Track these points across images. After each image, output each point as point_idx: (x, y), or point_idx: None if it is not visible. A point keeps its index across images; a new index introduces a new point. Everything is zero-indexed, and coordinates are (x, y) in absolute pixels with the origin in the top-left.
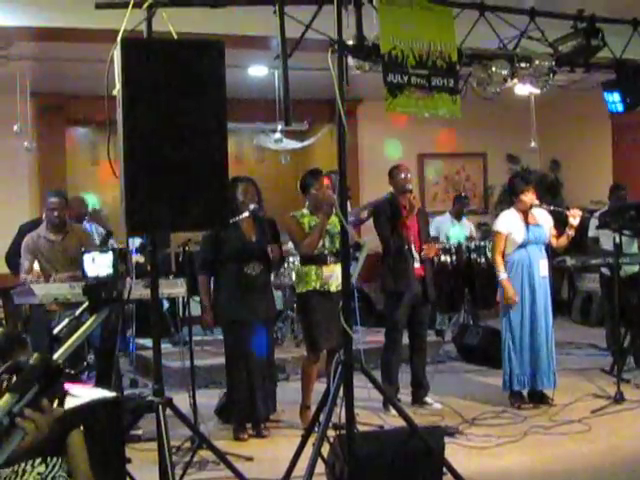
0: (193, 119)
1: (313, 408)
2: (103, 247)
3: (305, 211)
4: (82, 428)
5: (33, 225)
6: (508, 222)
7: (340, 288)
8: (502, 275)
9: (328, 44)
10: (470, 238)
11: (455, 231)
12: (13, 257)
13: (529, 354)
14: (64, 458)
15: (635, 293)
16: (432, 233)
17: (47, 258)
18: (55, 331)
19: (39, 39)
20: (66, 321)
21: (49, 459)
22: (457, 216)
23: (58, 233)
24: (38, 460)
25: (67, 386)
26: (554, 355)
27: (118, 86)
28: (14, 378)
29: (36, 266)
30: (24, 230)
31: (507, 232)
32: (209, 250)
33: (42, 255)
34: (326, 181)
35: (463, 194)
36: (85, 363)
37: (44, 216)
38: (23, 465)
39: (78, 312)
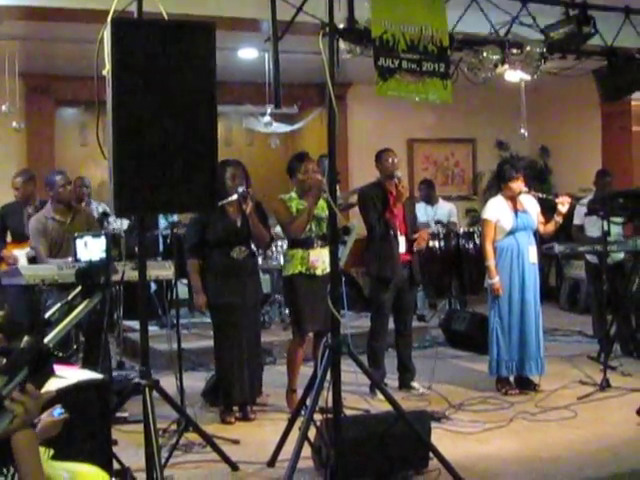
0: (183, 101)
1: (299, 392)
2: (98, 229)
3: (293, 194)
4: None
5: (16, 206)
6: (496, 209)
7: (327, 272)
8: (489, 262)
9: (319, 27)
10: (448, 223)
11: (423, 217)
12: None
13: (518, 340)
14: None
15: (621, 280)
16: None
17: (54, 239)
18: (47, 315)
19: (28, 18)
20: (58, 305)
21: (4, 470)
22: (428, 201)
23: (66, 214)
24: None
25: (54, 368)
26: (542, 341)
27: (108, 67)
28: (3, 361)
29: (18, 252)
30: (5, 211)
31: (496, 219)
32: (197, 233)
33: (49, 237)
34: (313, 165)
35: (426, 178)
36: (75, 346)
37: (51, 196)
38: None
39: (71, 296)
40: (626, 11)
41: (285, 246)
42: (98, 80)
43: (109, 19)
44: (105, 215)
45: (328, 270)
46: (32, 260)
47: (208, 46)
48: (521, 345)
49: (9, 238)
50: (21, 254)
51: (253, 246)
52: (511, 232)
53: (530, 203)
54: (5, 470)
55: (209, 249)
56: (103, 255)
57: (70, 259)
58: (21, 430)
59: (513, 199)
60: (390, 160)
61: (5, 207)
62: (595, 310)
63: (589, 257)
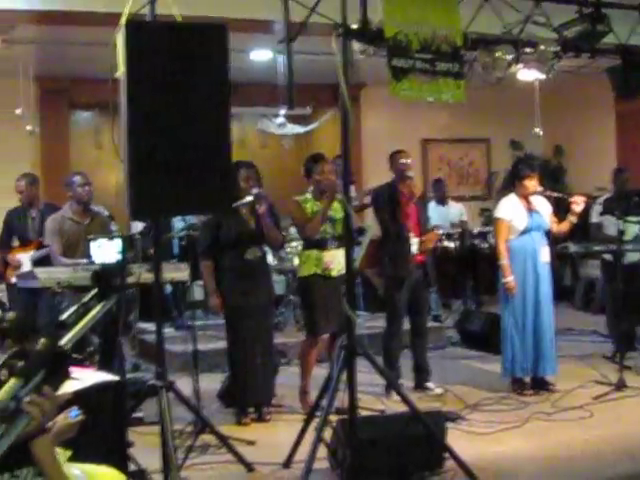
0: (196, 103)
1: (312, 393)
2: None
3: (308, 195)
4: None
5: (20, 210)
6: (510, 208)
7: (342, 273)
8: (503, 261)
9: (332, 28)
10: (457, 224)
11: (434, 216)
12: (1, 242)
13: (532, 341)
14: (35, 467)
15: (636, 281)
16: None
17: (70, 240)
18: (63, 317)
19: (42, 22)
20: (74, 307)
21: (17, 472)
22: (439, 201)
23: (84, 216)
24: (7, 475)
25: (70, 370)
26: (554, 342)
27: (122, 69)
28: (19, 364)
29: (21, 256)
30: (10, 217)
31: (509, 219)
32: (210, 235)
33: (65, 237)
34: (329, 166)
35: (439, 178)
36: (91, 348)
37: (70, 196)
38: None
39: (86, 299)
40: None
41: (300, 247)
42: (112, 83)
43: (123, 22)
44: (111, 219)
45: (343, 271)
46: (37, 263)
47: (221, 48)
48: (536, 345)
49: (16, 243)
50: (25, 258)
51: (265, 247)
52: (525, 231)
53: (542, 203)
54: (19, 472)
55: (222, 251)
56: (118, 257)
57: (84, 260)
58: (37, 438)
59: (527, 198)
60: (403, 161)
61: (10, 212)
62: (610, 309)
63: (605, 256)
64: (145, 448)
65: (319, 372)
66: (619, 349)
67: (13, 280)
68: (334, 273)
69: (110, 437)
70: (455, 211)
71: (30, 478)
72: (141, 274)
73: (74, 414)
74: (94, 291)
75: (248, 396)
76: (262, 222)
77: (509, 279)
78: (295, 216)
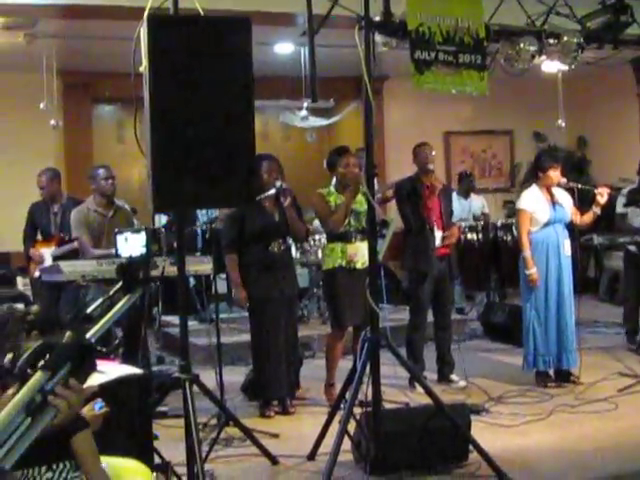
0: (220, 96)
1: (337, 385)
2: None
3: (332, 189)
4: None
5: (42, 204)
6: (532, 200)
7: (366, 265)
8: (526, 252)
9: (355, 21)
10: (479, 216)
11: (457, 209)
12: (25, 236)
13: (555, 333)
14: (72, 461)
15: None
16: None
17: (95, 232)
18: (88, 310)
19: (65, 16)
20: (100, 300)
21: (54, 465)
22: (465, 194)
23: (108, 208)
24: (44, 468)
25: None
26: (575, 334)
27: (145, 63)
28: (45, 357)
29: (44, 251)
30: (34, 210)
31: (532, 210)
32: (234, 228)
33: (90, 229)
34: (353, 159)
35: (467, 172)
36: (117, 341)
37: (93, 189)
38: (31, 471)
39: (112, 292)
40: None
41: (323, 240)
42: (135, 77)
43: (145, 16)
44: (134, 212)
45: (367, 264)
46: (57, 259)
47: (245, 41)
48: (558, 338)
49: (39, 236)
50: (47, 253)
51: (289, 240)
52: (548, 224)
53: (563, 196)
54: (55, 466)
55: (247, 244)
56: (143, 250)
57: (112, 251)
58: (79, 433)
59: (549, 191)
60: (426, 154)
61: (33, 206)
62: (632, 300)
63: (630, 247)
64: (170, 441)
65: (344, 365)
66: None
67: (37, 274)
68: (359, 265)
69: (135, 430)
70: (477, 203)
71: (67, 472)
72: (165, 267)
73: (99, 406)
74: (119, 284)
75: (272, 389)
76: (287, 214)
77: (532, 271)
78: (319, 209)
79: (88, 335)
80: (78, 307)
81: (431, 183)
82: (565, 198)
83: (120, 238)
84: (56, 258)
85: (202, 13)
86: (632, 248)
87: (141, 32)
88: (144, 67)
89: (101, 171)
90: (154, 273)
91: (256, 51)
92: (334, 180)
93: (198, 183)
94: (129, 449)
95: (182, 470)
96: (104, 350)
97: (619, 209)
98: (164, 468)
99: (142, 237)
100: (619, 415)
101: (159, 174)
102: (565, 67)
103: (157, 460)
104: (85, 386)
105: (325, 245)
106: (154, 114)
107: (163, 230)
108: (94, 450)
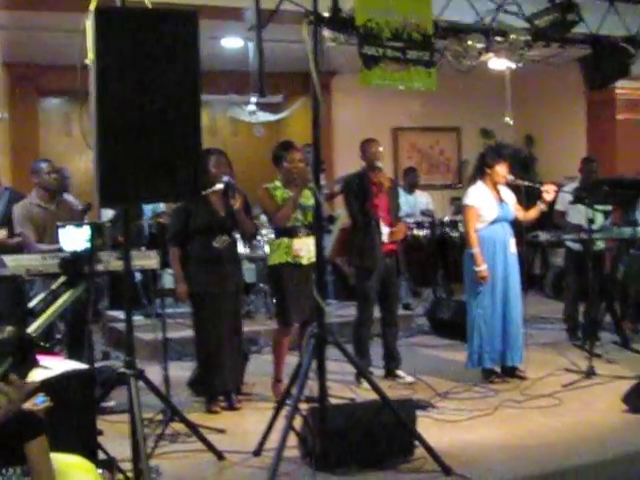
0: (167, 90)
1: (285, 381)
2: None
3: (278, 183)
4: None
5: None
6: (479, 196)
7: (312, 261)
8: (475, 249)
9: (303, 16)
10: (427, 211)
11: (404, 204)
12: None
13: (501, 331)
14: (23, 466)
15: (601, 269)
16: None
17: (38, 226)
18: (31, 305)
19: (11, 8)
20: (42, 295)
21: (4, 470)
22: (409, 190)
23: (51, 201)
24: None
25: (38, 358)
26: (521, 332)
27: (91, 56)
28: None
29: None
30: None
31: (478, 206)
32: (179, 222)
33: (34, 224)
34: (298, 154)
35: (410, 166)
36: (58, 337)
37: (36, 183)
38: None
39: (54, 286)
40: None
41: (271, 235)
42: (81, 70)
43: (92, 8)
44: (88, 208)
45: (314, 259)
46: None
47: (192, 35)
48: (504, 336)
49: None
50: None
51: (235, 235)
52: (494, 221)
53: (507, 193)
54: (4, 470)
55: (191, 238)
56: (87, 245)
57: (57, 246)
58: (34, 440)
59: (496, 187)
60: (373, 150)
61: None
62: (568, 296)
63: (570, 244)
64: (115, 437)
65: (292, 360)
66: (588, 337)
67: None
68: (304, 261)
69: (79, 426)
70: (422, 199)
71: (17, 478)
72: (110, 262)
73: (40, 400)
74: (62, 279)
75: (216, 384)
76: (237, 217)
77: (482, 267)
78: (265, 204)
79: (30, 330)
80: (18, 302)
81: (379, 180)
82: (509, 196)
83: (62, 232)
84: None
85: (150, 6)
86: (574, 245)
87: (87, 24)
88: (90, 60)
89: (44, 165)
90: (99, 268)
91: (204, 45)
92: (280, 175)
93: (144, 177)
94: (73, 445)
95: (127, 466)
96: (46, 345)
97: (559, 207)
98: (109, 464)
99: (85, 231)
100: (564, 410)
101: (105, 168)
102: (512, 65)
103: (102, 456)
104: (27, 381)
105: (271, 240)
106: (100, 108)
107: (108, 224)
108: (48, 457)
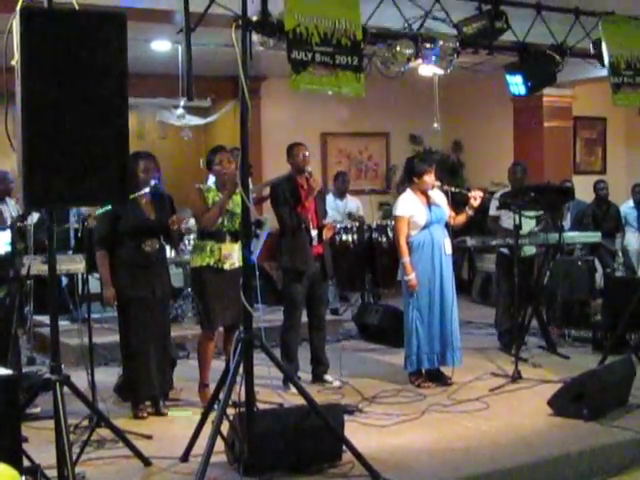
0: (93, 92)
1: (211, 386)
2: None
3: (212, 185)
4: None
5: None
6: (409, 205)
7: (235, 267)
8: (405, 259)
9: (232, 19)
10: (355, 215)
11: (333, 210)
12: None
13: (439, 332)
14: None
15: (531, 274)
16: None
17: None
18: None
19: None
20: None
21: None
22: (340, 195)
23: None
24: None
25: None
26: (459, 332)
27: (17, 57)
28: None
29: None
30: None
31: (409, 215)
32: (107, 225)
33: None
34: (227, 155)
35: (341, 171)
36: None
37: None
38: None
39: None
40: (538, 7)
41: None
42: (7, 71)
43: (18, 8)
44: (23, 217)
45: (237, 265)
46: None
47: (120, 37)
48: (442, 337)
49: None
50: None
51: (163, 240)
52: (426, 226)
53: (439, 196)
54: None
55: (120, 242)
56: (7, 249)
57: None
58: None
59: (424, 193)
60: (301, 155)
61: None
62: (501, 302)
63: (501, 250)
64: (40, 443)
65: (219, 365)
66: (515, 342)
67: None
68: (226, 266)
69: (3, 432)
70: (352, 205)
71: None
72: (31, 265)
73: None
74: None
75: (143, 389)
76: (171, 233)
77: (411, 277)
78: (195, 204)
79: None
80: None
81: (309, 184)
82: (440, 198)
83: None
84: None
85: (77, 7)
86: (504, 250)
87: (13, 24)
88: (16, 60)
89: None
90: (22, 272)
91: (132, 48)
92: (214, 178)
93: (70, 181)
94: None
95: (52, 473)
96: None
97: (492, 212)
98: (33, 471)
99: (6, 235)
100: (490, 414)
101: (30, 171)
102: (441, 71)
103: (26, 463)
104: None
105: (196, 242)
106: (25, 109)
107: (30, 227)
108: None
